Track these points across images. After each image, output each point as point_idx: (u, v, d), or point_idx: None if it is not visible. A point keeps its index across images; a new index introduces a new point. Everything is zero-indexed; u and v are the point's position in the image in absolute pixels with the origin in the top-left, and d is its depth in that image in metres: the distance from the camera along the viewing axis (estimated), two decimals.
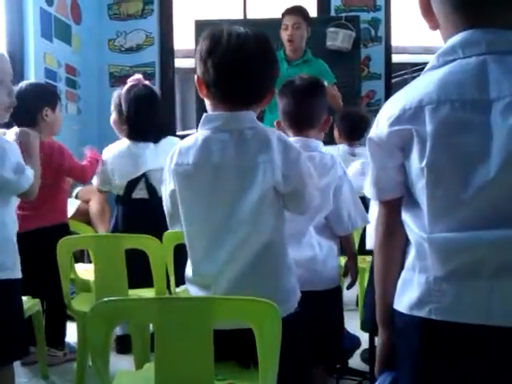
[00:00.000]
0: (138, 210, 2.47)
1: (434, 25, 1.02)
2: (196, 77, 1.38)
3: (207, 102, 1.41)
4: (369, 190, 1.07)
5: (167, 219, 1.51)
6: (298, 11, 3.74)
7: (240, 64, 1.33)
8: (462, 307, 0.92)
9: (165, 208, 1.50)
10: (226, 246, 1.34)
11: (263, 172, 1.32)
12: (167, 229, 2.00)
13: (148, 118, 2.49)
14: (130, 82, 2.55)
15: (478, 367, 0.92)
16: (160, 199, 2.24)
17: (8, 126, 2.30)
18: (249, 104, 1.37)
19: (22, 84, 2.47)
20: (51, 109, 2.49)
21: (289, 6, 3.82)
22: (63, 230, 2.43)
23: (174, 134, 4.98)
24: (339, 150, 3.24)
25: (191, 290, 1.43)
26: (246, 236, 1.34)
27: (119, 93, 2.55)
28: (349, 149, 3.24)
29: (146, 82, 2.62)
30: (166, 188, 1.45)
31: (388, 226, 1.05)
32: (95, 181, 2.58)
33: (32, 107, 2.41)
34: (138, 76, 2.57)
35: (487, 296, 0.90)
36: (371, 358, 2.09)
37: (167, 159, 1.43)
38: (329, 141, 2.19)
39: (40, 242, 2.24)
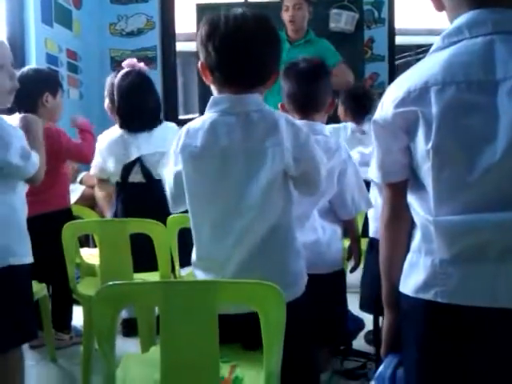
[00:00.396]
0: (136, 194, 2.45)
1: (440, 6, 1.00)
2: (200, 63, 1.38)
3: (213, 87, 1.40)
4: (374, 173, 1.07)
5: (169, 201, 1.49)
6: None
7: (240, 45, 1.32)
8: (467, 290, 0.92)
9: (167, 189, 1.48)
10: (234, 230, 1.34)
11: (272, 155, 1.32)
12: (166, 211, 1.98)
13: (140, 109, 2.44)
14: (125, 66, 2.51)
15: (483, 350, 0.92)
16: (157, 182, 2.22)
17: (10, 111, 2.29)
18: (253, 86, 1.36)
19: (24, 69, 2.46)
20: (52, 94, 2.49)
21: None
22: (66, 214, 2.44)
23: (176, 118, 4.97)
24: (347, 129, 3.21)
25: (197, 274, 1.43)
26: (254, 219, 1.33)
27: (112, 79, 2.52)
28: (357, 127, 3.20)
29: (142, 65, 2.55)
30: (171, 169, 1.43)
31: (393, 209, 1.05)
32: (93, 170, 2.56)
33: (32, 92, 2.40)
34: (133, 60, 2.52)
35: (493, 279, 0.90)
36: (376, 339, 2.11)
37: (174, 141, 1.42)
38: (332, 118, 2.15)
39: (43, 228, 2.25)
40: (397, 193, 1.04)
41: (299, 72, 1.80)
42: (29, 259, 1.71)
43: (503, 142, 0.88)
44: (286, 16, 3.71)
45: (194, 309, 1.18)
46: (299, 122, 1.74)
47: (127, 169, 2.46)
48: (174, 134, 2.51)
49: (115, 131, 2.51)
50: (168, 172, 1.46)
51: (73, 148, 2.52)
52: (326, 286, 1.72)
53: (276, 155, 1.32)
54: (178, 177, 1.42)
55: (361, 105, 3.18)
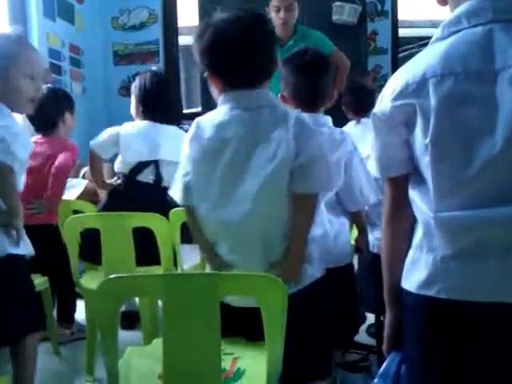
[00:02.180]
0: (142, 193, 2.43)
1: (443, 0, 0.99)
2: (207, 75, 1.43)
3: (218, 92, 1.44)
4: (373, 167, 1.06)
5: (180, 194, 1.49)
6: None
7: (239, 55, 1.36)
8: (470, 286, 0.90)
9: (179, 182, 1.49)
10: (231, 223, 1.38)
11: (276, 148, 1.35)
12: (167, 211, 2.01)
13: (165, 103, 2.51)
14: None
15: (486, 345, 0.91)
16: (163, 188, 2.22)
17: None
18: (258, 84, 1.41)
19: (44, 90, 2.49)
20: (70, 113, 2.60)
21: None
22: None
23: (180, 112, 4.97)
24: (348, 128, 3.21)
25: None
26: (249, 212, 1.36)
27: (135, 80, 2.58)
28: (355, 122, 3.16)
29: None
30: (184, 155, 1.47)
31: (395, 203, 1.04)
32: (92, 143, 2.52)
33: (54, 112, 2.52)
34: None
35: (496, 274, 0.89)
36: (377, 332, 2.11)
37: (187, 134, 1.47)
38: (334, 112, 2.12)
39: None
40: (397, 188, 1.02)
41: (304, 65, 1.77)
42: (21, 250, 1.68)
43: (503, 134, 0.86)
44: (277, 18, 3.45)
45: (196, 301, 1.18)
46: (304, 116, 1.75)
47: (140, 166, 2.44)
48: None
49: (141, 123, 2.51)
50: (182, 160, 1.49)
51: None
52: (335, 281, 1.70)
53: (280, 147, 1.35)
54: (188, 162, 1.45)
55: (359, 99, 3.13)
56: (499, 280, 0.89)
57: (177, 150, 2.41)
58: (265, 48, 1.41)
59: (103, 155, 2.53)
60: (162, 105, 2.50)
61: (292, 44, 3.46)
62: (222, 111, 1.42)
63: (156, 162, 2.45)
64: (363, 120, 3.11)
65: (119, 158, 2.52)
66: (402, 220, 1.03)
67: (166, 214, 2.05)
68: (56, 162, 2.44)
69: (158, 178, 2.45)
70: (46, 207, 2.41)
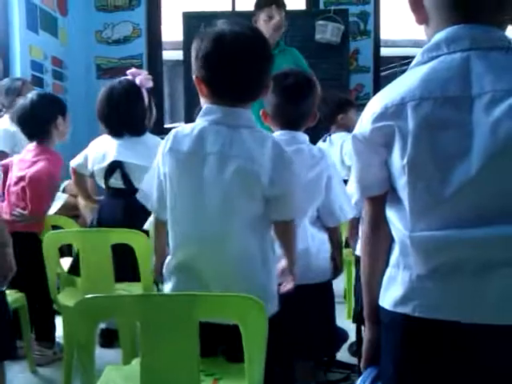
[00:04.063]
0: (115, 199, 2.39)
1: (422, 18, 1.01)
2: (194, 77, 1.41)
3: (204, 100, 1.43)
4: (353, 187, 1.07)
5: (154, 205, 1.49)
6: (284, 4, 3.56)
7: (233, 65, 1.36)
8: (444, 305, 0.92)
9: (153, 192, 1.48)
10: (206, 238, 1.37)
11: (251, 173, 1.35)
12: (143, 220, 1.98)
13: (114, 116, 2.40)
14: (128, 74, 2.52)
15: (460, 364, 0.92)
16: (136, 190, 2.20)
17: None
18: (244, 101, 1.41)
19: (33, 96, 2.46)
20: (63, 117, 2.54)
21: None
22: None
23: (161, 126, 4.96)
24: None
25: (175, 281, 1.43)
26: (225, 225, 1.36)
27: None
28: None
29: (142, 74, 2.56)
30: (159, 171, 1.44)
31: (374, 221, 1.05)
32: (72, 162, 2.49)
33: (46, 119, 2.46)
34: (131, 70, 2.54)
35: (469, 294, 0.90)
36: (359, 350, 2.10)
37: (162, 143, 1.45)
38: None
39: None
40: (377, 205, 1.04)
41: (287, 88, 1.78)
42: None
43: (477, 159, 0.88)
44: (266, 27, 3.44)
45: (174, 322, 1.17)
46: (281, 132, 1.77)
47: (108, 173, 2.41)
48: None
49: (104, 137, 2.47)
50: (153, 174, 1.47)
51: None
52: (314, 297, 1.69)
53: (254, 170, 1.35)
54: (163, 178, 1.43)
55: (334, 112, 3.33)
56: (472, 300, 0.90)
57: (144, 154, 2.39)
58: (264, 72, 1.42)
59: (84, 172, 2.50)
60: (118, 123, 2.40)
61: (276, 53, 3.45)
62: (201, 124, 1.40)
63: (121, 166, 2.40)
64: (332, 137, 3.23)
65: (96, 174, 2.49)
66: (380, 238, 1.04)
67: (140, 221, 2.03)
68: (29, 173, 2.37)
69: (127, 182, 2.39)
70: (27, 219, 2.38)
